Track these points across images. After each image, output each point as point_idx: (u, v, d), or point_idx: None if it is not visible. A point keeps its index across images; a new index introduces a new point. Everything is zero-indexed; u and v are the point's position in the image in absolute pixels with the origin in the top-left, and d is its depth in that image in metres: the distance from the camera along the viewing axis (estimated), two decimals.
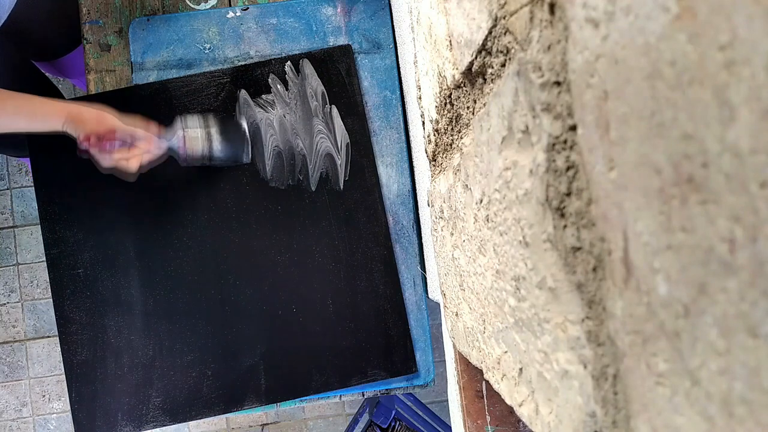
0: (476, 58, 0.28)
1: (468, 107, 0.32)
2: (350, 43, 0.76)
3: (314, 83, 0.74)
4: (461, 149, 0.34)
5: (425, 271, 0.73)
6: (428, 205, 0.54)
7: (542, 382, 0.24)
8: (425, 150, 0.50)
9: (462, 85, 0.32)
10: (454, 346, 0.47)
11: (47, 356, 1.34)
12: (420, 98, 0.50)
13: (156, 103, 0.73)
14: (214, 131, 0.68)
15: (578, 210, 0.19)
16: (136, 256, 0.72)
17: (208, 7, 0.78)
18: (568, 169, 0.19)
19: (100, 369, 0.70)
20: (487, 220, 0.29)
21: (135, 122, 0.65)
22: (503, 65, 0.24)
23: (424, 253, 0.73)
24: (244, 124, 0.71)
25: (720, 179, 0.11)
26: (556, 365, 0.22)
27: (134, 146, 0.65)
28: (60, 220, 0.72)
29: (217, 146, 0.68)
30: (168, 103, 0.73)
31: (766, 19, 0.10)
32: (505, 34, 0.23)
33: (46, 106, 0.63)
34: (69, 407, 0.75)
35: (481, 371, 0.37)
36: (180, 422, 0.70)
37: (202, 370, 0.70)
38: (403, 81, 0.74)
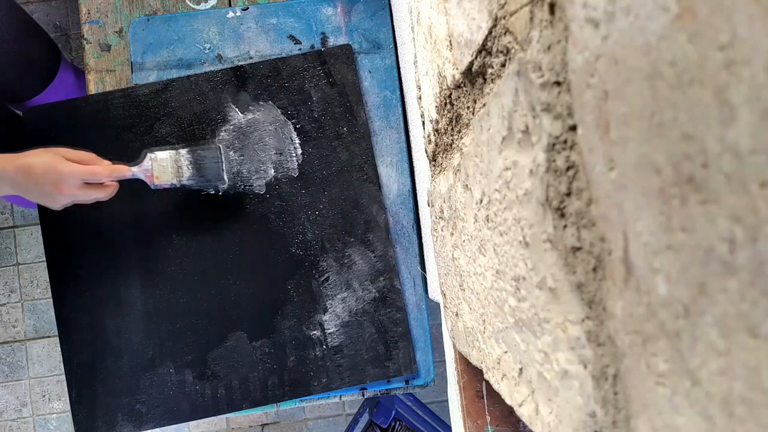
0: (476, 58, 0.28)
1: (468, 107, 0.32)
2: (350, 43, 0.76)
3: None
4: (461, 149, 0.34)
5: (425, 271, 0.73)
6: (428, 205, 0.54)
7: (542, 382, 0.24)
8: (425, 150, 0.50)
9: (462, 85, 0.32)
10: (454, 346, 0.47)
11: (47, 356, 1.34)
12: (420, 98, 0.50)
13: (156, 103, 0.73)
14: (185, 159, 0.66)
15: (578, 210, 0.19)
16: (136, 256, 0.72)
17: (208, 7, 0.78)
18: (568, 169, 0.19)
19: (100, 369, 0.70)
20: (487, 220, 0.29)
21: (89, 158, 0.63)
22: (503, 65, 0.24)
23: (424, 253, 0.73)
24: (220, 148, 0.68)
25: (720, 179, 0.11)
26: (556, 365, 0.22)
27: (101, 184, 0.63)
28: (60, 221, 0.72)
29: (188, 173, 0.66)
30: (168, 103, 0.73)
31: (766, 19, 0.10)
32: (505, 34, 0.23)
33: None
34: (69, 407, 0.75)
35: (481, 371, 0.37)
36: (180, 422, 0.70)
37: (202, 370, 0.70)
38: (403, 81, 0.74)
